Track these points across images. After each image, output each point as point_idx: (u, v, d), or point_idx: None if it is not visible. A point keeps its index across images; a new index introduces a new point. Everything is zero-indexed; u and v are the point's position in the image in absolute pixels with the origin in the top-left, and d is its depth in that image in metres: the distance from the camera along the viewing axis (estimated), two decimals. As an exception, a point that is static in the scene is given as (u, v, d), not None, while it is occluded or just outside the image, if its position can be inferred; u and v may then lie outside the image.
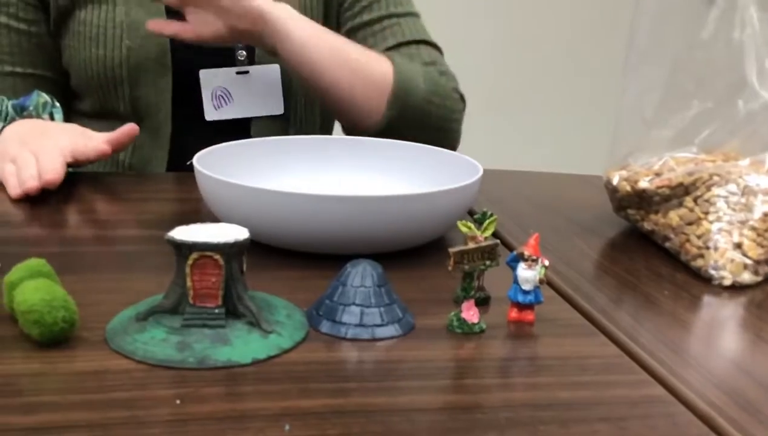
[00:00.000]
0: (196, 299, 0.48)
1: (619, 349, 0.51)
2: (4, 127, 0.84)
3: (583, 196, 0.86)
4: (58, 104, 0.85)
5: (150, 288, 0.53)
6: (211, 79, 0.99)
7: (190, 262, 0.47)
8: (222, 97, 1.00)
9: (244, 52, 1.00)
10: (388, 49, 0.99)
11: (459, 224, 0.54)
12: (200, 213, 0.71)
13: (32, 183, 0.74)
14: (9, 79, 0.96)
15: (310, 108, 1.06)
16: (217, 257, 0.47)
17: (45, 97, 0.85)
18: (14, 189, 0.75)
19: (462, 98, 1.01)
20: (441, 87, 0.96)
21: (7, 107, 0.83)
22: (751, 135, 0.73)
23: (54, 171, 0.75)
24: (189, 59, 0.97)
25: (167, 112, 0.97)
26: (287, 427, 0.40)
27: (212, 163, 0.67)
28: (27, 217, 0.72)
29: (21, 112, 0.84)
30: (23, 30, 0.97)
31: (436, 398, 0.44)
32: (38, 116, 0.82)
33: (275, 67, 1.01)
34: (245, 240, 0.48)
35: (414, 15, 1.04)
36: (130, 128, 0.82)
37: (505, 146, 2.69)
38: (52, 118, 0.84)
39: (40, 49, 0.98)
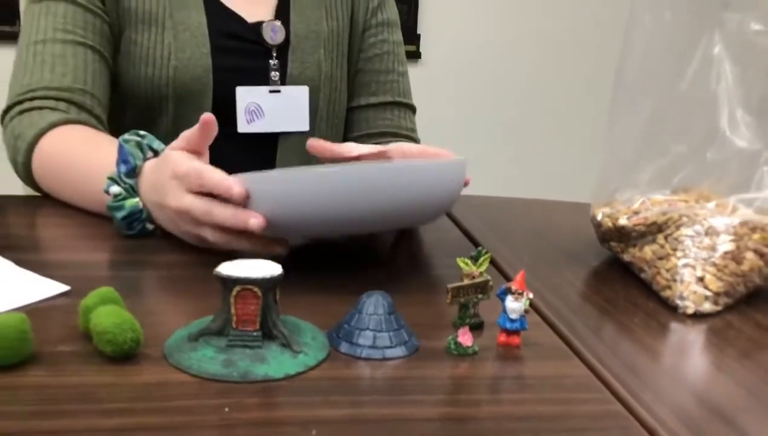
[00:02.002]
0: (239, 324, 0.58)
1: (589, 371, 0.61)
2: (138, 195, 0.83)
3: (574, 224, 0.95)
4: (144, 133, 0.86)
5: (197, 310, 0.63)
6: (245, 95, 1.10)
7: (234, 293, 0.57)
8: (254, 112, 1.11)
9: (278, 74, 1.11)
10: (385, 103, 1.20)
11: (458, 260, 0.64)
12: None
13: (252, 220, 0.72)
14: (81, 50, 1.02)
15: (332, 127, 1.18)
16: (256, 289, 0.57)
17: (132, 138, 0.85)
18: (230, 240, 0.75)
19: None
20: None
21: (121, 176, 0.82)
22: (720, 179, 0.83)
23: (226, 186, 0.73)
24: (227, 79, 1.08)
25: None
26: (314, 432, 0.50)
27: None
28: (85, 243, 0.82)
29: (133, 174, 0.83)
30: (99, 15, 1.05)
31: (435, 411, 0.54)
32: (145, 160, 0.84)
33: (304, 89, 1.12)
34: (279, 275, 0.58)
35: (407, 75, 1.25)
36: (206, 124, 0.79)
37: (505, 173, 2.80)
38: (154, 151, 0.85)
39: (108, 42, 1.07)
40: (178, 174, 0.75)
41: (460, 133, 2.80)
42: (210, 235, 0.75)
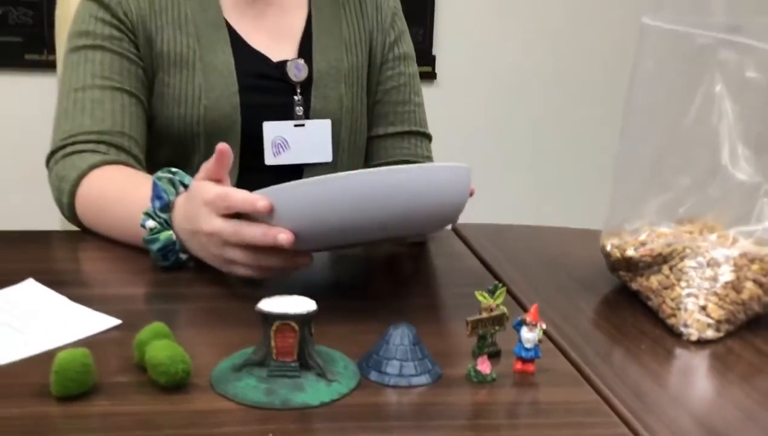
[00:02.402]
0: (278, 355, 0.64)
1: (599, 396, 0.66)
2: (171, 228, 0.88)
3: (586, 252, 1.00)
4: (175, 170, 0.91)
5: (238, 341, 0.69)
6: (272, 130, 1.16)
7: (273, 328, 0.63)
8: (281, 145, 1.17)
9: (302, 108, 1.17)
10: (403, 133, 1.25)
11: (477, 294, 0.70)
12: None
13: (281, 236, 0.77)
14: (119, 95, 1.10)
15: (354, 156, 1.24)
16: (294, 324, 0.63)
17: (165, 175, 0.90)
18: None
19: None
20: None
21: (155, 211, 0.88)
22: (723, 210, 0.88)
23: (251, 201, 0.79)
24: (255, 115, 1.14)
25: (236, 160, 1.14)
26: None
27: None
28: (129, 277, 0.88)
29: (167, 209, 0.88)
30: (134, 61, 1.12)
31: (457, 434, 0.60)
32: (177, 195, 0.89)
33: (327, 122, 1.18)
34: (314, 311, 0.64)
35: (423, 105, 1.30)
36: (221, 153, 0.85)
37: (520, 193, 2.84)
38: (185, 186, 0.90)
39: (143, 85, 1.14)
40: (207, 200, 0.81)
41: (476, 153, 2.86)
42: (240, 256, 0.81)
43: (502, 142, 2.88)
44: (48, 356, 0.65)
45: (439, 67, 2.81)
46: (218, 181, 0.84)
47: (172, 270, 0.87)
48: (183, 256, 0.89)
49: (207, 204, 0.82)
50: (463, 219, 0.95)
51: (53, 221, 1.39)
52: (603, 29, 2.82)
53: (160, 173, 0.90)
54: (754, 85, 0.85)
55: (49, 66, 2.49)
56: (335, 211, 0.76)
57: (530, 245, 1.07)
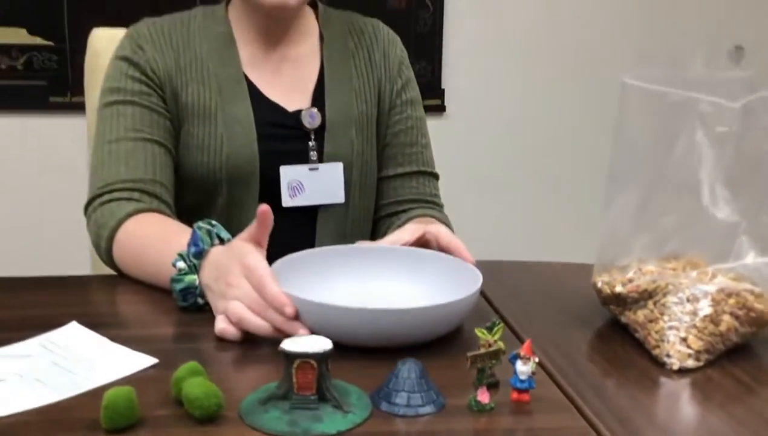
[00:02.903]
0: (299, 390, 0.72)
1: (587, 423, 0.74)
2: (198, 274, 0.96)
3: (581, 286, 1.06)
4: (215, 223, 0.99)
5: (263, 377, 0.77)
6: (288, 173, 1.25)
7: (295, 365, 0.71)
8: (296, 188, 1.26)
9: (316, 153, 1.26)
10: (411, 173, 1.33)
11: (476, 330, 0.78)
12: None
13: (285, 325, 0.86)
14: (149, 146, 1.19)
15: (365, 196, 1.32)
16: (313, 362, 0.71)
17: (204, 225, 0.98)
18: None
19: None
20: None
21: (189, 255, 0.96)
22: (705, 248, 0.96)
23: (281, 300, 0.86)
24: (272, 160, 1.23)
25: (254, 202, 1.23)
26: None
27: (284, 272, 0.92)
28: (163, 318, 0.97)
29: (201, 256, 0.96)
30: (162, 113, 1.22)
31: (458, 458, 0.68)
32: (211, 246, 0.97)
33: (339, 165, 1.27)
34: (330, 349, 0.72)
35: (430, 146, 1.38)
36: (263, 215, 0.92)
37: (525, 224, 2.92)
38: (221, 239, 0.98)
39: (171, 136, 1.23)
40: (245, 263, 0.89)
41: (482, 183, 2.95)
42: (253, 325, 0.87)
43: (508, 172, 2.96)
44: (96, 393, 0.74)
45: (448, 100, 2.89)
46: (258, 244, 0.92)
47: (201, 312, 0.95)
48: (200, 300, 0.97)
49: (243, 267, 0.89)
50: (471, 250, 1.04)
51: (81, 257, 1.48)
52: (605, 64, 2.90)
53: (201, 223, 0.98)
54: (728, 134, 0.92)
55: (73, 108, 2.60)
56: (353, 334, 0.85)
57: (529, 280, 1.15)
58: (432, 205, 1.34)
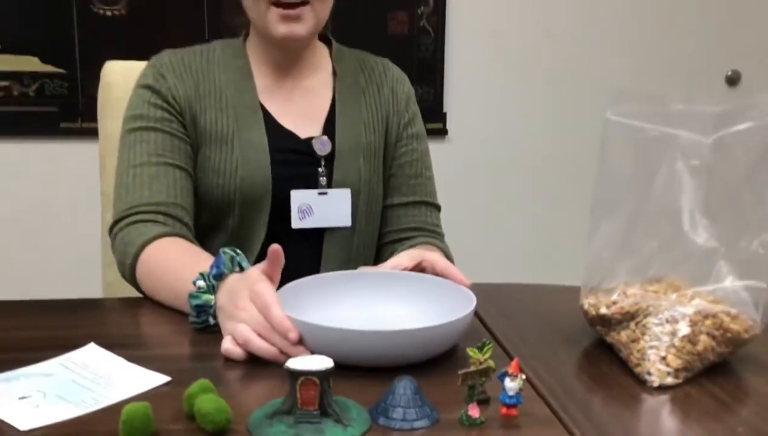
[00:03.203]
0: (303, 405, 0.77)
1: None
2: (215, 295, 1.02)
3: (570, 307, 1.12)
4: (239, 251, 1.05)
5: (269, 394, 0.83)
6: (299, 197, 1.32)
7: (299, 382, 0.77)
8: (306, 211, 1.32)
9: (325, 179, 1.32)
10: (415, 202, 1.39)
11: (468, 350, 0.83)
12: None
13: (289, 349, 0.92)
14: (171, 170, 1.26)
15: (370, 222, 1.39)
16: (315, 379, 0.77)
17: (229, 251, 1.04)
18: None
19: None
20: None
21: (210, 276, 1.03)
22: (685, 272, 1.01)
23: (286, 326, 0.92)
24: (284, 184, 1.30)
25: (264, 223, 1.30)
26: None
27: (291, 296, 0.98)
28: (177, 339, 1.03)
29: (220, 278, 1.02)
30: (182, 139, 1.29)
31: (449, 468, 0.73)
32: (231, 272, 1.03)
33: (347, 191, 1.34)
34: (331, 368, 0.78)
35: (433, 178, 1.44)
36: (275, 254, 0.97)
37: (524, 244, 2.98)
38: (241, 267, 1.04)
39: (191, 160, 1.30)
40: (255, 290, 0.95)
41: (481, 202, 3.01)
42: (257, 347, 0.93)
43: (506, 192, 3.02)
44: (113, 408, 0.80)
45: (449, 124, 2.96)
46: (270, 278, 0.97)
47: (211, 333, 1.01)
48: (212, 320, 1.03)
49: (252, 292, 0.95)
50: (468, 274, 1.10)
51: (92, 280, 1.55)
52: (604, 89, 2.97)
53: (227, 249, 1.04)
54: (703, 166, 0.98)
55: (83, 133, 2.68)
56: (352, 354, 0.90)
57: (522, 302, 1.20)
58: (434, 235, 1.41)
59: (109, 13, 2.65)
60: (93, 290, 1.52)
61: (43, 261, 2.71)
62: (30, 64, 2.66)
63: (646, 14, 3.02)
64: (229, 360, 0.94)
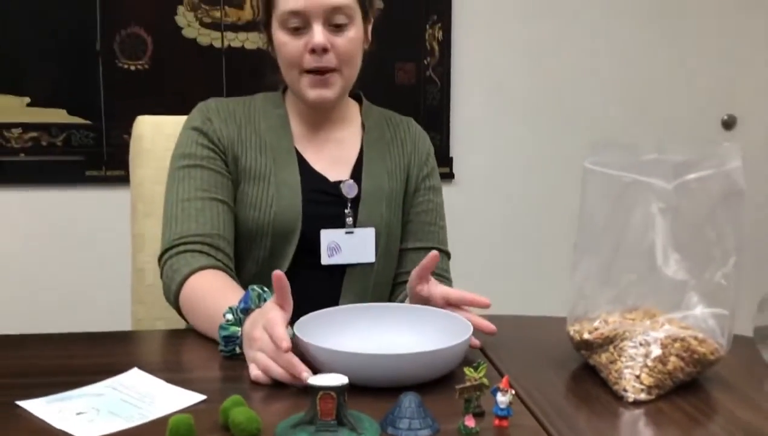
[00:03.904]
0: (322, 416, 0.90)
1: (553, 442, 0.92)
2: (241, 327, 1.15)
3: (560, 336, 1.25)
4: (266, 289, 1.17)
5: (293, 407, 0.96)
6: (328, 236, 1.45)
7: (318, 396, 0.90)
8: (334, 248, 1.46)
9: (351, 219, 1.46)
10: (428, 248, 1.47)
11: (465, 369, 0.96)
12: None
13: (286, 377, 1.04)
14: (215, 204, 1.40)
15: (389, 261, 1.52)
16: (333, 393, 0.90)
17: (257, 289, 1.16)
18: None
19: None
20: None
21: (238, 310, 1.16)
22: (659, 301, 1.14)
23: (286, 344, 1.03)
24: (313, 222, 1.44)
25: (290, 256, 1.43)
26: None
27: (307, 327, 1.11)
28: (216, 363, 1.16)
29: (247, 312, 1.14)
30: (225, 175, 1.43)
31: (448, 468, 0.86)
32: (257, 307, 1.14)
33: (371, 230, 1.47)
34: (347, 384, 0.91)
35: (445, 227, 1.58)
36: (279, 280, 1.07)
37: (529, 282, 3.09)
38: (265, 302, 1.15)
39: (232, 194, 1.44)
40: (267, 319, 1.07)
41: (487, 242, 3.14)
42: (274, 373, 1.05)
43: (512, 234, 3.15)
44: (159, 421, 0.93)
45: (456, 168, 3.09)
46: (281, 306, 1.09)
47: (238, 359, 1.14)
48: (238, 350, 1.16)
49: (265, 321, 1.08)
50: (476, 309, 1.23)
51: (122, 316, 1.68)
52: (607, 132, 3.10)
53: (255, 286, 1.18)
54: (669, 208, 1.11)
55: (108, 181, 2.83)
56: (364, 374, 1.03)
57: (516, 330, 1.33)
58: (443, 279, 1.53)
59: (132, 68, 2.81)
60: (123, 327, 1.65)
61: (70, 300, 2.83)
62: (58, 116, 2.81)
63: (645, 60, 3.17)
64: (254, 383, 1.07)
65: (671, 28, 3.17)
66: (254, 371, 1.07)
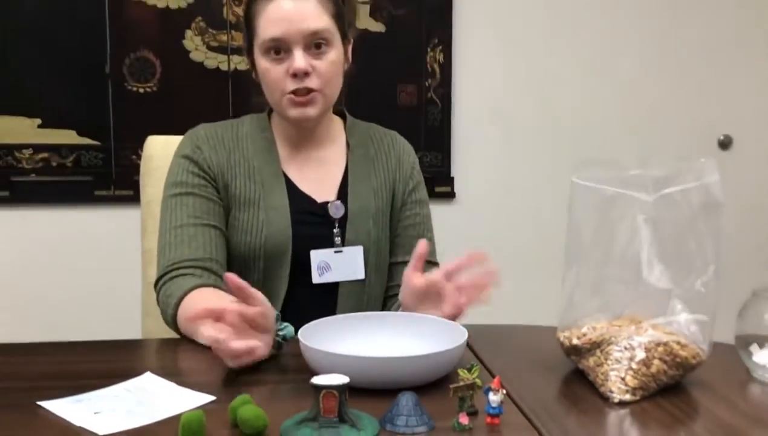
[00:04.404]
0: (325, 413, 0.96)
1: (541, 438, 0.98)
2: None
3: (552, 344, 1.31)
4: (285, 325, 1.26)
5: (297, 404, 1.02)
6: (318, 255, 1.51)
7: (321, 394, 0.96)
8: (324, 267, 1.52)
9: (340, 239, 1.52)
10: None
11: (459, 371, 1.02)
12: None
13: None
14: (207, 230, 1.47)
15: (379, 277, 1.58)
16: (335, 392, 0.96)
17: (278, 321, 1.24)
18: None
19: None
20: None
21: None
22: (645, 308, 1.20)
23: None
24: (303, 243, 1.50)
25: (286, 277, 1.49)
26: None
27: (310, 333, 1.18)
28: (214, 369, 1.22)
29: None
30: (216, 202, 1.50)
31: (442, 461, 0.92)
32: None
33: (360, 248, 1.53)
34: (347, 383, 0.97)
35: (434, 239, 1.63)
36: (232, 281, 1.17)
37: (529, 300, 3.15)
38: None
39: (223, 220, 1.50)
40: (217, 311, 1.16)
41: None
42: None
43: (508, 249, 3.21)
44: (172, 419, 0.99)
45: (457, 187, 3.16)
46: (244, 301, 1.17)
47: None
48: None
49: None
50: (472, 320, 1.29)
51: (131, 329, 1.74)
52: (604, 153, 3.17)
53: (277, 312, 1.24)
54: (650, 220, 1.17)
55: (116, 200, 2.90)
56: (364, 376, 1.09)
57: (510, 338, 1.39)
58: None
59: (141, 90, 2.90)
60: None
61: (83, 313, 2.90)
62: (68, 137, 2.89)
63: (643, 83, 3.24)
64: (265, 380, 1.15)
65: (669, 52, 3.25)
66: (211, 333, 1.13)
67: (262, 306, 1.17)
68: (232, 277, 1.16)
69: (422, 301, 1.34)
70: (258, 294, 1.18)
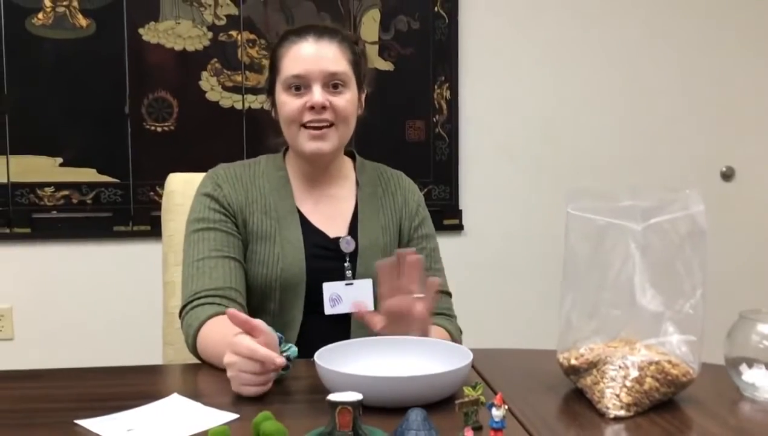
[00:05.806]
0: (340, 428, 1.04)
1: (541, 450, 1.06)
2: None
3: (552, 366, 1.38)
4: (289, 346, 1.32)
5: (315, 420, 1.10)
6: (329, 288, 1.60)
7: (337, 410, 1.04)
8: (335, 299, 1.60)
9: (350, 272, 1.61)
10: None
11: (464, 388, 1.10)
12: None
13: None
14: (227, 261, 1.56)
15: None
16: (350, 408, 1.04)
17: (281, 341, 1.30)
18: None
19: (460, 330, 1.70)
20: (459, 331, 1.65)
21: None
22: (639, 330, 1.27)
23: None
24: (316, 275, 1.59)
25: (301, 308, 1.57)
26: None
27: (326, 356, 1.26)
28: (231, 391, 1.30)
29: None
30: (236, 236, 1.59)
31: (449, 471, 0.99)
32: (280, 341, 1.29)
33: (369, 281, 1.61)
34: (361, 399, 1.05)
35: (443, 270, 1.72)
36: (234, 317, 1.24)
37: (535, 325, 3.22)
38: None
39: (242, 252, 1.59)
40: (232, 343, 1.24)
41: (494, 289, 3.27)
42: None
43: (515, 280, 3.28)
44: (198, 435, 1.07)
45: (465, 220, 3.24)
46: (249, 333, 1.24)
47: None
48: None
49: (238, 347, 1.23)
50: (480, 345, 1.37)
51: (153, 357, 1.82)
52: (608, 182, 3.25)
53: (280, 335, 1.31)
54: (639, 247, 1.25)
55: (134, 236, 2.99)
56: (376, 395, 1.17)
57: (513, 360, 1.47)
58: (446, 316, 1.68)
59: (159, 129, 3.00)
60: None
61: (103, 345, 2.98)
62: (88, 175, 2.99)
63: (647, 115, 3.34)
64: (284, 399, 1.23)
65: (672, 85, 3.34)
66: (246, 390, 1.23)
67: (265, 335, 1.25)
68: (233, 313, 1.24)
69: (398, 323, 1.42)
70: (260, 324, 1.25)
